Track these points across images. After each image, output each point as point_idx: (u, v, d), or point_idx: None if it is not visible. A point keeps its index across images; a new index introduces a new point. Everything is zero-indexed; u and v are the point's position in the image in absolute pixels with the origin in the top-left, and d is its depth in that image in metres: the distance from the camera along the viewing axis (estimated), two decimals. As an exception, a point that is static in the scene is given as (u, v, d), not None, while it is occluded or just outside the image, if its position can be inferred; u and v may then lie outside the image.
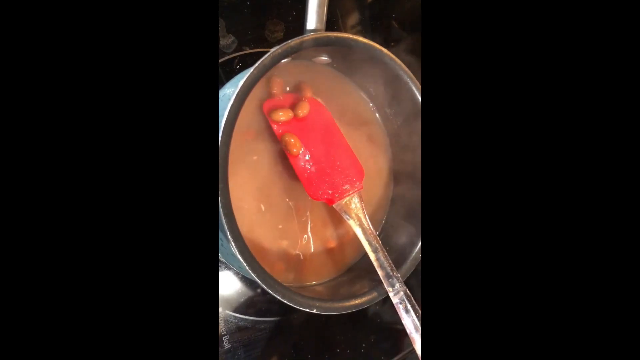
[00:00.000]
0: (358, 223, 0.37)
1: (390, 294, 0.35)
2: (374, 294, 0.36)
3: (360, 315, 0.48)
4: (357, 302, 0.36)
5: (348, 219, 0.37)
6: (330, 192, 0.38)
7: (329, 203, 0.38)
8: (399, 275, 0.35)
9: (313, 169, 0.38)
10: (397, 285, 0.35)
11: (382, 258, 0.36)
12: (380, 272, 0.35)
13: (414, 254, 0.39)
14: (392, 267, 0.36)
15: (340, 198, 0.38)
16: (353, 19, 0.54)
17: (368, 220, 0.37)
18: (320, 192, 0.38)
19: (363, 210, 0.38)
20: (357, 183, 0.39)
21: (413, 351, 0.48)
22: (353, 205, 0.38)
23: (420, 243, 0.39)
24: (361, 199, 0.38)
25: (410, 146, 0.41)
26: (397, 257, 0.39)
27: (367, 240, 0.36)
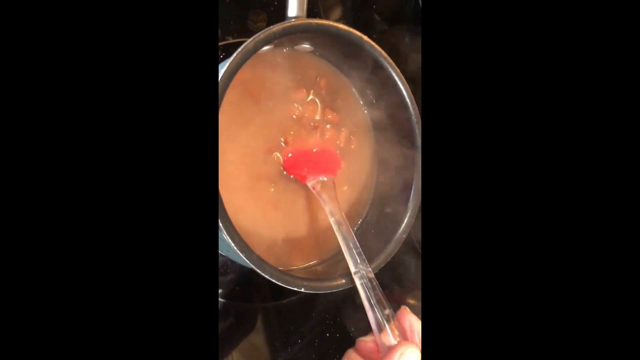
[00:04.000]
0: (326, 199, 0.38)
1: (353, 273, 0.35)
2: (361, 274, 0.37)
3: (350, 300, 0.48)
4: (344, 281, 0.36)
5: (318, 195, 0.39)
6: (305, 170, 0.40)
7: (302, 180, 0.40)
8: (361, 251, 0.36)
9: (294, 155, 0.40)
10: (360, 264, 0.35)
11: (345, 232, 0.37)
12: (343, 246, 0.36)
13: (397, 235, 0.40)
14: (355, 243, 0.36)
15: (312, 176, 0.40)
16: (334, 10, 0.55)
17: (336, 198, 0.39)
18: (295, 169, 0.40)
19: (333, 189, 0.39)
20: (331, 173, 0.40)
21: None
22: (323, 184, 0.39)
23: (402, 226, 0.40)
24: (333, 183, 0.40)
25: (394, 132, 0.42)
26: (379, 241, 0.40)
27: (332, 213, 0.38)
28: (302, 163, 0.40)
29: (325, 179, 0.40)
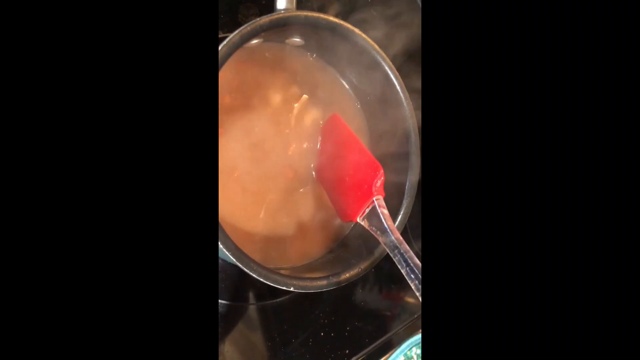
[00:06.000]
0: (380, 234, 0.33)
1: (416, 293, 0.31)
2: (353, 272, 0.36)
3: (345, 300, 0.48)
4: (334, 280, 0.36)
5: (372, 231, 0.34)
6: (350, 209, 0.36)
7: (353, 220, 0.36)
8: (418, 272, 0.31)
9: (336, 191, 0.37)
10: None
11: (410, 259, 0.31)
12: (408, 279, 0.31)
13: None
14: (417, 265, 0.31)
15: (358, 213, 0.35)
16: (330, 6, 0.54)
17: (392, 229, 0.33)
18: (347, 212, 0.36)
19: (388, 218, 0.34)
20: (374, 187, 0.35)
21: (397, 333, 0.49)
22: (374, 215, 0.34)
23: (396, 223, 0.39)
24: (382, 206, 0.34)
25: (388, 127, 0.42)
26: (374, 238, 0.39)
27: (391, 251, 0.33)
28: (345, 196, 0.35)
29: (375, 201, 0.34)
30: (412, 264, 0.31)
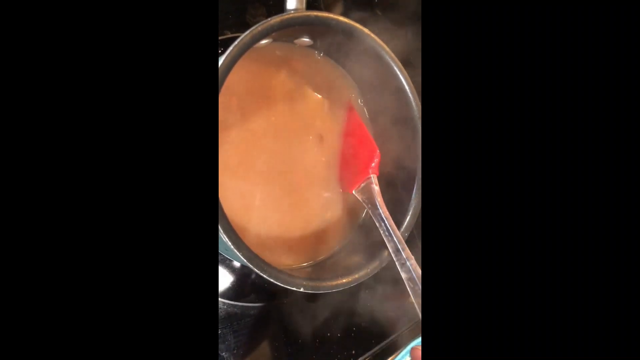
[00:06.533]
0: (370, 207, 0.38)
1: (401, 272, 0.35)
2: (363, 273, 0.36)
3: (351, 301, 0.48)
4: (344, 280, 0.36)
5: (364, 204, 0.38)
6: (349, 183, 0.40)
7: (349, 191, 0.40)
8: (409, 253, 0.35)
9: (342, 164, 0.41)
10: (408, 263, 0.35)
11: (393, 240, 0.36)
12: (390, 248, 0.36)
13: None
14: (403, 245, 0.36)
15: (354, 186, 0.40)
16: (336, 5, 0.54)
17: (381, 203, 0.37)
18: (347, 184, 0.40)
19: (378, 193, 0.38)
20: (370, 167, 0.39)
21: (403, 334, 0.49)
22: (367, 190, 0.39)
23: (404, 225, 0.39)
24: (375, 183, 0.39)
25: (395, 127, 0.42)
26: (381, 241, 0.39)
27: (378, 222, 0.37)
28: (347, 168, 0.39)
29: (371, 177, 0.39)
30: (394, 236, 0.36)
